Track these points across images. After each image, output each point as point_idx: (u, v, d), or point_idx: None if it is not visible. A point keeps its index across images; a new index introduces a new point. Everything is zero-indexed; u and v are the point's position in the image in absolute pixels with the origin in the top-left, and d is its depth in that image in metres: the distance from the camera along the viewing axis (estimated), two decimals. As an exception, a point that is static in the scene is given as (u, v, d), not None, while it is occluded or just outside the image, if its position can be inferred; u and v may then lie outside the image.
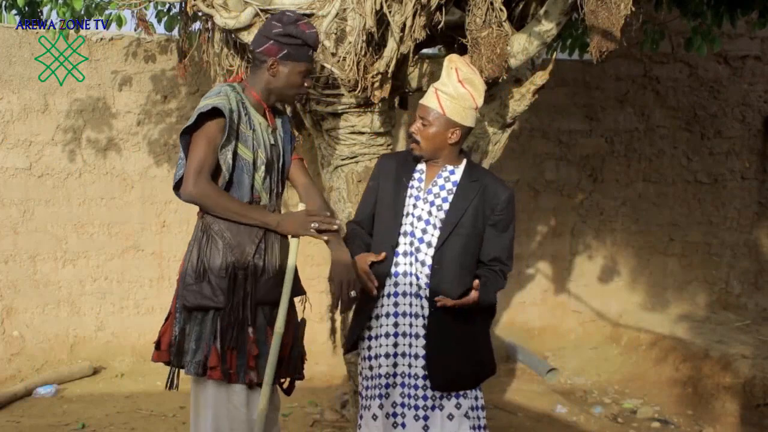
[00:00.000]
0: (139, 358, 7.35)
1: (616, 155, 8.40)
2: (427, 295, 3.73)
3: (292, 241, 3.46)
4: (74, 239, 7.26)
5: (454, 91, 3.69)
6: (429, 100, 3.73)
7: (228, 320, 3.41)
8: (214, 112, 3.37)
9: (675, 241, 8.58)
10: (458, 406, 3.76)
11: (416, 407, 3.79)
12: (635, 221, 8.49)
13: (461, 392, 3.77)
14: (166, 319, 3.71)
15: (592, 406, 6.77)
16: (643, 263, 8.53)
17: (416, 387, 3.78)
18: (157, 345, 3.68)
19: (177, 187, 3.58)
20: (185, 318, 3.56)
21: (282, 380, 3.66)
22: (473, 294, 3.63)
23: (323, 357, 7.35)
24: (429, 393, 3.76)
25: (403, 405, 3.78)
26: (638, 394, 7.03)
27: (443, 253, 3.71)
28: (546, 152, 8.25)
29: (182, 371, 3.62)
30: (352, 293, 3.48)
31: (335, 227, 3.47)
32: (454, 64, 3.77)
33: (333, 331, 7.45)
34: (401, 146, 7.66)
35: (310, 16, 4.28)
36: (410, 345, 3.76)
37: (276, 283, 3.47)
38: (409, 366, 3.77)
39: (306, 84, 3.63)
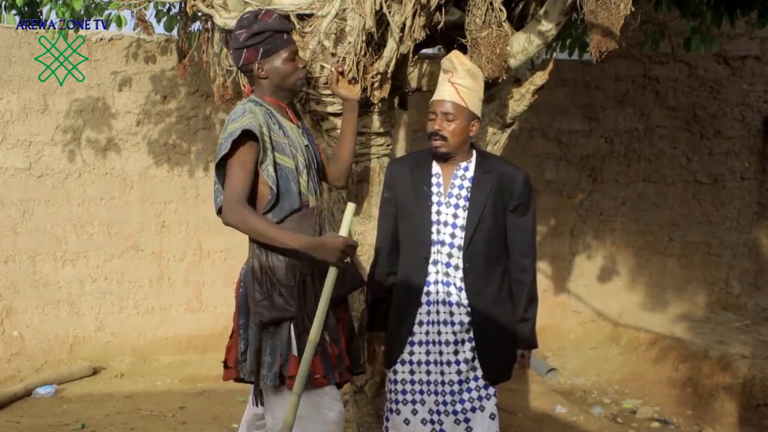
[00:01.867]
0: (139, 358, 7.36)
1: (615, 155, 8.41)
2: (464, 298, 3.75)
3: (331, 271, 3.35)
4: (74, 239, 7.26)
5: (469, 83, 3.70)
6: (449, 94, 3.72)
7: (304, 327, 3.38)
8: (246, 134, 3.34)
9: (675, 241, 8.58)
10: (497, 404, 3.84)
11: (455, 412, 3.81)
12: (635, 221, 8.49)
13: (495, 392, 3.81)
14: (231, 337, 3.65)
15: (592, 406, 6.78)
16: (643, 263, 8.53)
17: (452, 393, 3.80)
18: (225, 363, 3.64)
19: (219, 211, 3.53)
20: (257, 333, 3.46)
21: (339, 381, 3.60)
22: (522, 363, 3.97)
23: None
24: (466, 396, 3.80)
25: (438, 412, 3.81)
26: (638, 394, 7.03)
27: (471, 251, 3.73)
28: (546, 152, 8.25)
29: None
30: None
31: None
32: (459, 59, 3.78)
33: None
34: (401, 146, 7.67)
35: (309, 16, 4.28)
36: (440, 353, 3.79)
37: (340, 279, 3.39)
38: (442, 374, 3.79)
39: (300, 65, 3.62)
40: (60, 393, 6.66)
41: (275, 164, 3.44)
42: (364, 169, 4.59)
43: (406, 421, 3.84)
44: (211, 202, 7.52)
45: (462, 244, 3.74)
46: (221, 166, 3.43)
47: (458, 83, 3.70)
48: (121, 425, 5.92)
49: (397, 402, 3.86)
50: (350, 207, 3.34)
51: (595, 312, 8.38)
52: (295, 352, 3.39)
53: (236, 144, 3.35)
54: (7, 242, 7.11)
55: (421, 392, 3.82)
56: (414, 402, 3.83)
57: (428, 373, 3.81)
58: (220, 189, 3.49)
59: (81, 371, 7.02)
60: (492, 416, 3.84)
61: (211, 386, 6.87)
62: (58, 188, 7.20)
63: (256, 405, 3.54)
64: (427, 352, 3.81)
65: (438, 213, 3.79)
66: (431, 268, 3.78)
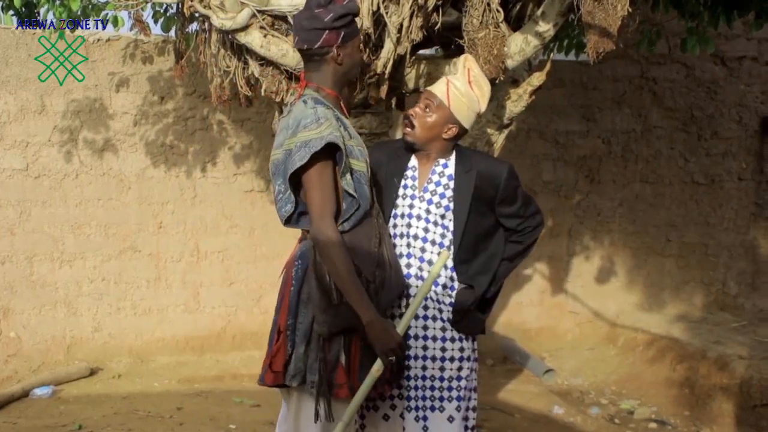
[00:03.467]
0: (136, 359, 7.36)
1: (613, 156, 8.41)
2: (437, 293, 3.73)
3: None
4: (71, 240, 7.26)
5: (465, 89, 3.67)
6: (438, 88, 3.69)
7: (358, 339, 3.31)
8: (330, 147, 3.18)
9: (672, 241, 8.59)
10: (458, 409, 3.76)
11: (416, 408, 3.79)
12: (632, 222, 8.49)
13: (462, 395, 3.77)
14: (277, 340, 3.39)
15: (590, 406, 6.78)
16: (640, 264, 8.54)
17: (416, 388, 3.78)
18: (270, 366, 3.39)
19: (286, 222, 3.37)
20: (320, 342, 3.31)
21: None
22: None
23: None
24: (428, 393, 3.77)
25: (417, 408, 3.79)
26: (635, 394, 7.03)
27: (461, 253, 3.71)
28: (543, 153, 8.25)
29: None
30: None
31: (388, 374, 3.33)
32: (468, 64, 3.74)
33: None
34: (398, 147, 7.66)
35: (307, 17, 4.27)
36: (425, 347, 3.77)
37: (398, 290, 3.37)
38: (424, 368, 3.76)
39: (363, 55, 3.57)
40: (57, 394, 6.65)
41: (351, 170, 3.29)
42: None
43: (385, 417, 3.82)
44: (208, 203, 7.59)
45: (437, 239, 3.70)
46: (293, 175, 3.24)
47: (453, 83, 3.68)
48: (118, 426, 5.91)
49: (373, 398, 3.83)
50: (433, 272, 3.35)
51: (592, 312, 8.39)
52: (343, 361, 3.30)
53: (316, 156, 3.17)
54: (4, 243, 7.11)
55: (399, 387, 3.80)
56: (391, 397, 3.81)
57: (407, 368, 3.78)
58: (289, 198, 3.30)
59: (78, 372, 7.01)
60: (450, 419, 3.78)
61: (209, 387, 6.87)
62: (55, 189, 7.19)
63: (330, 418, 3.30)
64: (407, 347, 3.77)
65: (410, 206, 3.75)
66: (403, 261, 3.72)
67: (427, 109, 3.67)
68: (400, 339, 3.28)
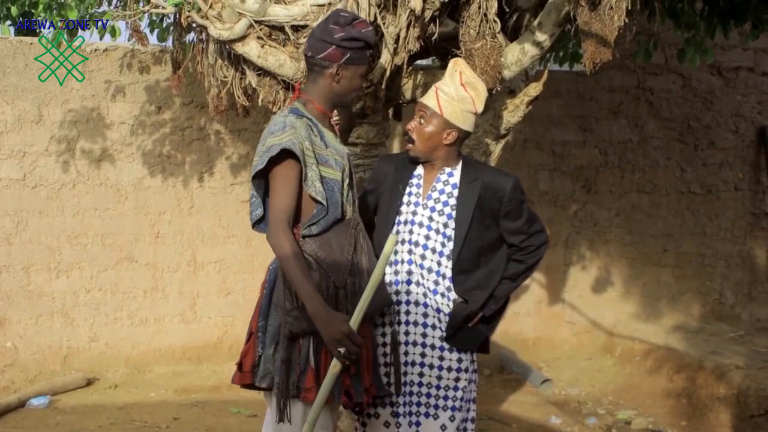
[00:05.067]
0: (133, 369, 7.34)
1: (609, 166, 8.42)
2: (437, 302, 3.74)
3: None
4: (68, 250, 7.25)
5: (455, 92, 3.67)
6: (428, 98, 3.72)
7: (320, 341, 3.31)
8: (285, 153, 3.28)
9: (669, 251, 8.59)
10: (452, 419, 3.76)
11: (410, 413, 3.79)
12: (629, 232, 8.50)
13: (457, 405, 3.76)
14: (248, 340, 3.50)
15: (587, 417, 6.77)
16: (637, 274, 8.54)
17: (410, 394, 3.78)
18: (240, 366, 3.49)
19: (254, 225, 3.49)
20: (285, 344, 3.36)
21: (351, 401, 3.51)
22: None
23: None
24: (423, 400, 3.77)
25: (410, 413, 3.79)
26: (632, 404, 7.03)
27: (461, 262, 3.72)
28: (540, 163, 8.26)
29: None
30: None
31: (353, 365, 3.30)
32: (458, 67, 3.76)
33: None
34: (395, 157, 7.66)
35: (304, 27, 4.28)
36: (423, 354, 3.77)
37: (372, 298, 3.33)
38: (420, 375, 3.77)
39: (363, 84, 3.59)
40: (54, 404, 6.64)
41: (321, 178, 3.37)
42: (358, 180, 4.59)
43: (386, 424, 3.83)
44: (205, 213, 7.60)
45: (438, 248, 3.72)
46: (256, 178, 3.38)
47: (442, 90, 3.70)
48: (114, 436, 5.92)
49: (375, 405, 3.83)
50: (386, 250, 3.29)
51: (589, 322, 8.38)
52: (312, 364, 3.32)
53: (273, 161, 3.29)
54: (0, 253, 7.10)
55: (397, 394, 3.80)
56: (393, 404, 3.81)
57: (405, 374, 3.79)
58: (258, 202, 3.44)
59: (75, 382, 6.99)
60: (443, 428, 3.78)
61: (205, 397, 6.86)
62: (52, 199, 7.19)
63: (281, 420, 3.36)
64: (405, 353, 3.79)
65: (414, 213, 3.78)
66: (402, 267, 3.76)
67: (423, 121, 3.71)
68: (347, 329, 3.21)
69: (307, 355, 3.33)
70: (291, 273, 3.24)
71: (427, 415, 3.77)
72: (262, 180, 3.39)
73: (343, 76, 3.45)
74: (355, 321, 3.25)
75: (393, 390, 3.74)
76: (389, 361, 3.79)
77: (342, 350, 3.19)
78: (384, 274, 3.49)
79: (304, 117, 3.40)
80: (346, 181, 3.47)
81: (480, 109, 3.76)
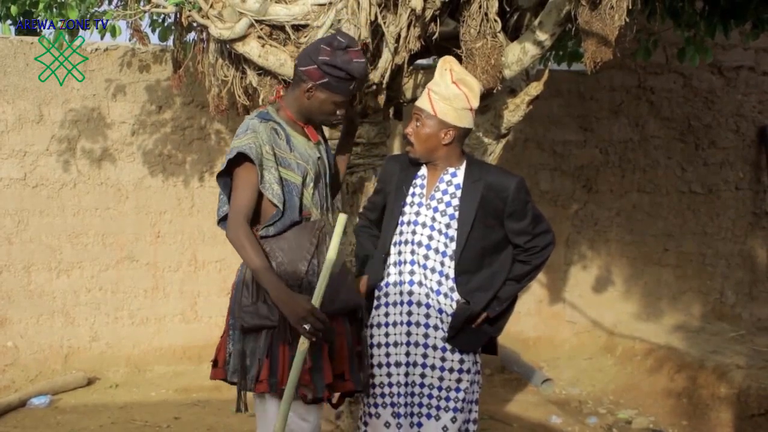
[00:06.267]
0: (134, 368, 7.34)
1: (610, 166, 8.42)
2: (439, 302, 3.75)
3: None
4: (69, 250, 7.25)
5: (446, 91, 3.67)
6: (422, 101, 3.74)
7: (282, 337, 3.41)
8: (241, 156, 3.41)
9: (669, 251, 8.59)
10: (454, 420, 3.76)
11: (412, 414, 3.79)
12: (630, 231, 8.49)
13: (459, 407, 3.77)
14: (222, 336, 3.66)
15: (587, 416, 6.77)
16: (638, 273, 8.53)
17: (412, 395, 3.79)
18: (215, 363, 3.66)
19: (219, 222, 3.65)
20: (240, 337, 3.51)
21: (331, 395, 3.61)
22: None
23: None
24: (425, 401, 3.77)
25: (413, 414, 3.80)
26: (633, 404, 7.02)
27: (463, 263, 3.72)
28: (540, 163, 8.26)
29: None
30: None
31: (321, 341, 3.37)
32: (448, 65, 3.76)
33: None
34: (396, 156, 7.66)
35: (305, 27, 4.29)
36: (425, 356, 3.78)
37: (332, 297, 3.44)
38: (423, 376, 3.78)
39: (338, 113, 3.62)
40: (54, 403, 6.64)
41: (281, 179, 3.47)
42: (359, 180, 4.59)
43: (387, 425, 3.83)
44: (206, 213, 7.60)
45: (441, 248, 3.73)
46: (220, 177, 3.53)
47: (434, 91, 3.71)
48: (115, 436, 5.92)
49: (376, 405, 3.84)
50: (339, 227, 3.38)
51: (590, 322, 8.38)
52: (268, 359, 3.43)
53: (232, 162, 3.43)
54: (1, 252, 7.10)
55: (399, 395, 3.80)
56: (393, 405, 3.81)
57: (406, 375, 3.80)
58: (224, 200, 3.59)
59: (75, 382, 7.00)
60: (444, 429, 3.78)
61: (206, 397, 6.85)
62: (53, 198, 7.19)
63: (237, 409, 3.58)
64: (407, 353, 3.79)
65: (417, 214, 3.78)
66: (405, 268, 3.78)
67: (418, 123, 3.73)
68: (310, 306, 3.29)
69: (267, 349, 3.43)
70: (251, 263, 3.38)
71: (429, 416, 3.78)
72: (228, 179, 3.52)
73: (315, 96, 3.53)
74: (315, 299, 3.33)
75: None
76: (372, 362, 3.85)
77: (307, 326, 3.27)
78: (352, 272, 3.69)
79: (270, 121, 3.53)
80: (310, 185, 3.56)
81: (475, 104, 3.75)
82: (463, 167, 3.80)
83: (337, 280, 3.50)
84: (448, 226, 3.73)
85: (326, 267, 3.35)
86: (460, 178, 3.77)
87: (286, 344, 3.41)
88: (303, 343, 3.30)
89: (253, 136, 3.44)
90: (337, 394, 3.66)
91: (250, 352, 3.47)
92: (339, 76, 3.48)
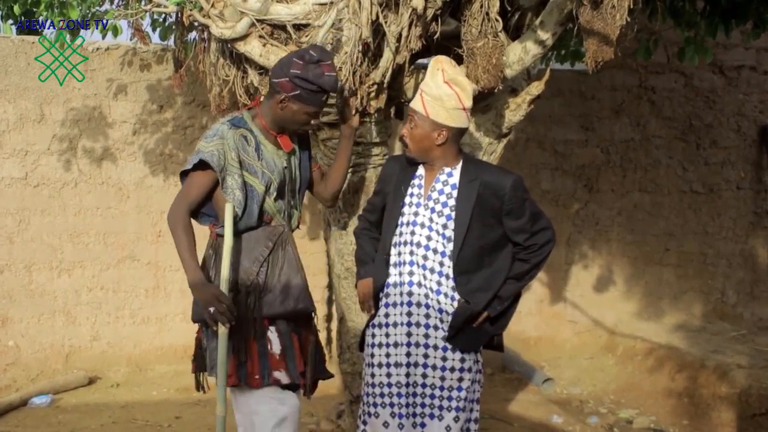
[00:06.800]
0: (135, 368, 7.35)
1: (611, 165, 8.41)
2: (440, 302, 3.75)
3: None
4: (70, 249, 7.26)
5: (438, 91, 3.69)
6: (415, 102, 3.77)
7: (238, 333, 3.59)
8: (202, 163, 3.61)
9: (670, 250, 8.58)
10: (456, 419, 3.77)
11: (414, 415, 3.80)
12: (631, 231, 8.49)
13: (461, 406, 3.77)
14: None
15: (588, 416, 6.77)
16: (639, 273, 8.53)
17: (414, 395, 3.79)
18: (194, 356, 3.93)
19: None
20: (208, 331, 3.72)
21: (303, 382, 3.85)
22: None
23: (319, 367, 7.35)
24: (427, 401, 3.78)
25: (414, 414, 3.82)
26: (634, 404, 7.03)
27: (461, 263, 3.72)
28: (542, 162, 8.26)
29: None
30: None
31: (226, 325, 3.50)
32: (439, 65, 3.78)
33: (329, 341, 7.45)
34: (397, 156, 7.67)
35: (306, 26, 4.29)
36: (426, 356, 3.78)
37: (282, 300, 3.67)
38: (424, 376, 3.79)
39: (312, 122, 3.75)
40: (56, 403, 6.65)
41: (245, 185, 3.65)
42: (360, 179, 4.59)
43: (386, 424, 3.83)
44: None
45: (439, 248, 3.74)
46: (183, 175, 3.77)
47: (425, 92, 3.74)
48: (116, 435, 5.92)
49: (375, 405, 3.85)
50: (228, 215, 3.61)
51: (591, 321, 8.38)
52: (233, 354, 3.61)
53: (195, 165, 3.64)
54: (2, 252, 7.10)
55: (399, 395, 3.81)
56: (392, 405, 3.82)
57: (408, 375, 3.80)
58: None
59: (77, 381, 7.00)
60: (448, 428, 3.79)
61: (207, 396, 6.80)
62: (54, 198, 7.19)
63: (196, 389, 3.91)
64: (408, 354, 3.80)
65: (416, 214, 3.80)
66: (404, 269, 3.79)
67: (412, 125, 3.76)
68: (216, 291, 3.49)
69: (230, 344, 3.59)
70: (177, 247, 3.63)
71: (431, 416, 3.78)
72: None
73: (288, 107, 3.66)
74: (223, 284, 3.53)
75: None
76: (373, 361, 3.91)
77: (212, 310, 3.45)
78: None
79: (241, 128, 3.70)
80: (274, 194, 3.73)
81: (468, 103, 3.76)
82: (459, 167, 3.81)
83: (287, 286, 3.71)
84: (445, 226, 3.74)
85: (226, 252, 3.57)
86: (456, 178, 3.78)
87: (253, 338, 3.61)
88: (220, 328, 3.48)
89: (219, 143, 3.61)
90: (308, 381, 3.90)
91: (210, 347, 3.68)
92: (310, 89, 3.61)
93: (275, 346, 3.67)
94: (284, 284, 3.72)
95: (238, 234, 3.68)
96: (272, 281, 3.70)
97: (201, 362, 3.81)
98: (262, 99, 3.84)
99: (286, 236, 3.79)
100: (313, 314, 3.94)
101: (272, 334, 3.67)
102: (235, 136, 3.64)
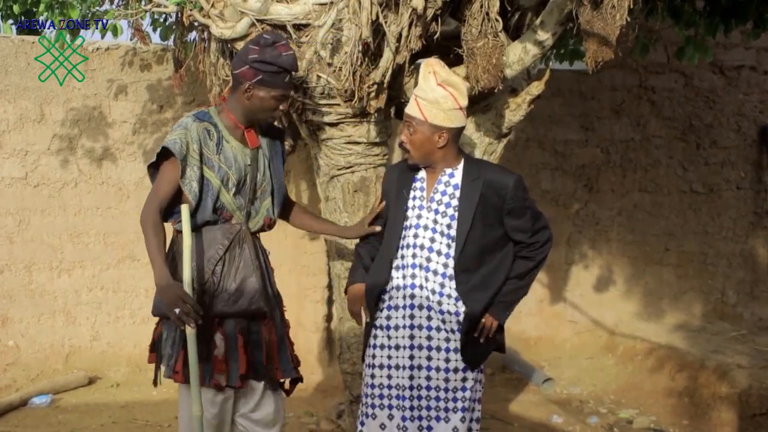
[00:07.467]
0: (135, 367, 7.33)
1: (611, 165, 8.41)
2: (442, 303, 3.75)
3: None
4: (70, 249, 7.25)
5: (433, 94, 3.70)
6: (411, 108, 3.78)
7: (199, 331, 3.59)
8: (166, 151, 3.63)
9: (671, 250, 8.58)
10: (463, 420, 3.78)
11: (420, 418, 3.80)
12: (631, 231, 8.49)
13: (466, 406, 3.78)
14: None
15: (588, 416, 6.77)
16: (639, 273, 8.53)
17: (419, 398, 3.80)
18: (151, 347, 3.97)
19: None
20: (165, 324, 3.78)
21: (281, 380, 3.94)
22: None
23: (319, 367, 7.35)
24: (433, 404, 3.79)
25: (416, 417, 3.82)
26: (634, 404, 7.03)
27: (463, 261, 3.73)
28: (542, 162, 8.25)
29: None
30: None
31: (192, 325, 3.49)
32: (430, 68, 3.79)
33: (329, 341, 7.44)
34: (397, 156, 7.65)
35: (306, 26, 4.29)
36: (429, 358, 3.79)
37: (235, 300, 3.70)
38: (428, 379, 3.79)
39: (281, 107, 3.76)
40: (56, 403, 6.65)
41: (202, 177, 3.67)
42: (360, 179, 4.59)
43: (382, 426, 3.84)
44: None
45: (443, 249, 3.75)
46: (150, 168, 3.78)
47: (420, 97, 3.74)
48: (116, 435, 5.92)
49: (373, 406, 3.86)
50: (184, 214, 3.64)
51: (591, 321, 8.38)
52: (183, 351, 3.65)
53: (160, 156, 3.67)
54: (2, 251, 7.10)
55: (398, 397, 3.81)
56: (391, 407, 3.83)
57: (411, 378, 3.81)
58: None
59: (77, 381, 7.00)
60: (455, 430, 3.80)
61: (207, 396, 6.85)
62: (54, 198, 7.19)
63: (154, 384, 3.98)
64: (411, 357, 3.80)
65: (419, 217, 3.80)
66: (407, 272, 3.79)
67: (411, 130, 3.77)
68: (181, 292, 3.46)
69: (179, 341, 3.67)
70: (147, 246, 3.60)
71: (438, 418, 3.79)
72: (155, 171, 3.75)
73: (254, 95, 3.68)
74: (185, 284, 3.54)
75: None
76: (374, 362, 3.93)
77: (177, 311, 3.43)
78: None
79: (204, 122, 3.72)
80: (232, 189, 3.73)
81: (463, 102, 3.77)
82: (460, 167, 3.82)
83: (242, 285, 3.73)
84: (449, 227, 3.75)
85: (186, 250, 3.58)
86: (458, 178, 3.79)
87: (202, 339, 3.61)
88: (188, 328, 3.49)
89: (183, 133, 3.64)
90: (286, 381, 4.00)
91: (171, 341, 3.72)
92: (271, 71, 3.63)
93: (220, 349, 3.71)
94: (239, 283, 3.73)
95: (196, 229, 3.71)
96: (227, 280, 3.73)
97: (158, 356, 3.87)
98: (227, 95, 3.87)
99: (243, 235, 3.79)
100: (273, 313, 3.90)
101: (218, 335, 3.71)
102: (199, 129, 3.68)
